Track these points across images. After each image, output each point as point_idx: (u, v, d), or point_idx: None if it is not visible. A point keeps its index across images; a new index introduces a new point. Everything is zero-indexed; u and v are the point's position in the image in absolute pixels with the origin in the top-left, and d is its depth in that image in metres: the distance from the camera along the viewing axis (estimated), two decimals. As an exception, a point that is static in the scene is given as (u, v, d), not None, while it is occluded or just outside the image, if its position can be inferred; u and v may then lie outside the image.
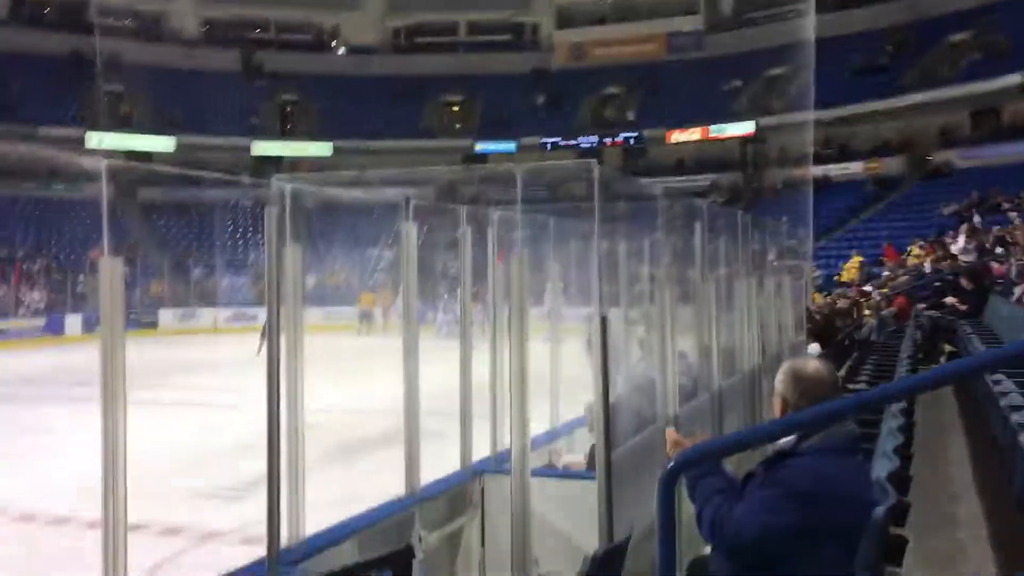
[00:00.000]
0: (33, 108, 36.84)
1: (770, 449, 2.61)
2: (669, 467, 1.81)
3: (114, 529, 3.52)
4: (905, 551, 2.90)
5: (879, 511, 2.28)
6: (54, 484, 9.37)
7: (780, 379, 2.76)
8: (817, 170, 33.73)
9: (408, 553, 2.02)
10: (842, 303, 14.91)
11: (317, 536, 4.43)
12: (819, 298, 18.03)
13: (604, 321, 3.94)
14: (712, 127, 40.65)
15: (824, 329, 11.56)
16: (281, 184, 4.10)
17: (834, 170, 36.32)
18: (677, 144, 41.55)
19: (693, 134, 41.20)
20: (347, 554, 3.97)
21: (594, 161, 4.28)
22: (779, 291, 11.09)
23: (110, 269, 3.29)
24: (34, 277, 31.46)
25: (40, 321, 29.05)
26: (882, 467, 2.99)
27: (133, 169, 36.00)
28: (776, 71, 38.82)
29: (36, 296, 30.28)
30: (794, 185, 33.71)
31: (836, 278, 25.18)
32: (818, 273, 25.82)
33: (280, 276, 4.18)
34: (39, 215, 35.63)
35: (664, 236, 6.34)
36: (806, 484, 2.48)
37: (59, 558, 7.10)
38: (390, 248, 32.35)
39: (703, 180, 39.10)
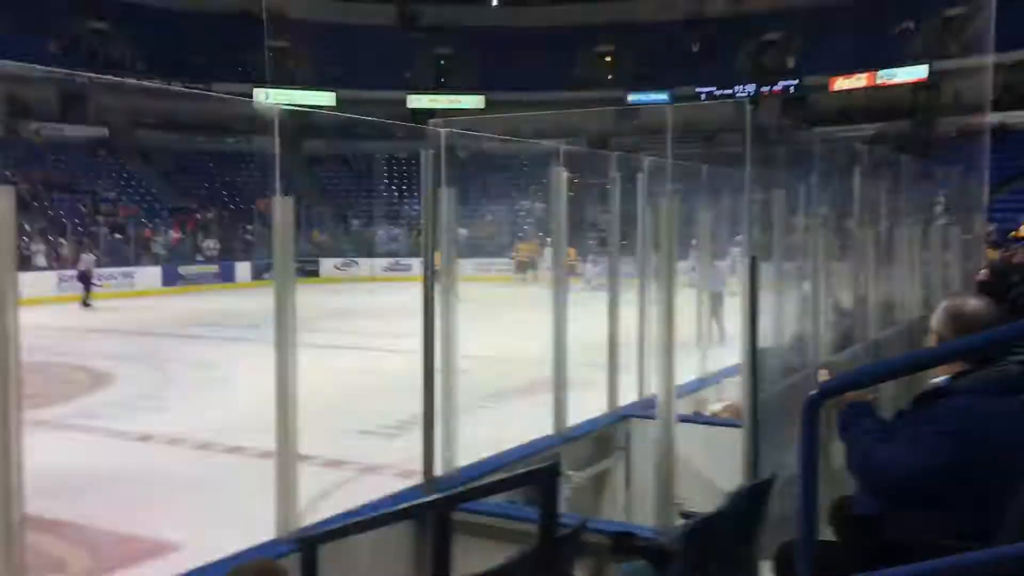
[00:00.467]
0: (205, 66, 39.00)
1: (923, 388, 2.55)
2: (813, 393, 1.82)
3: (286, 458, 3.79)
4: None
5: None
6: (228, 417, 10.13)
7: (937, 317, 2.66)
8: (995, 118, 31.38)
9: (554, 469, 2.12)
10: (1019, 257, 13.96)
11: (469, 467, 4.65)
12: (992, 253, 16.94)
13: (754, 262, 3.90)
14: (880, 73, 38.43)
15: (996, 285, 10.87)
16: (437, 128, 4.25)
17: (1014, 118, 33.70)
18: (841, 92, 39.57)
19: (859, 81, 39.09)
20: (496, 485, 4.14)
21: (746, 102, 4.20)
22: (946, 245, 10.53)
23: (282, 207, 3.52)
24: (209, 226, 33.56)
25: (214, 268, 31.05)
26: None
27: (305, 116, 37.53)
28: (953, 11, 36.19)
29: (210, 244, 32.32)
30: (969, 134, 31.51)
31: (1013, 233, 23.55)
32: (992, 227, 24.20)
33: (435, 217, 4.35)
34: (212, 167, 37.96)
35: (820, 183, 6.15)
36: (957, 423, 2.41)
37: (234, 482, 7.71)
38: (540, 200, 32.61)
39: (869, 129, 37.16)
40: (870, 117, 38.25)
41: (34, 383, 11.81)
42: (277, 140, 3.95)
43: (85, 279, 23.99)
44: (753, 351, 3.92)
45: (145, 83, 32.67)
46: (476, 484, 2.36)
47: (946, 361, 2.46)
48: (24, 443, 2.90)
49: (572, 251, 25.76)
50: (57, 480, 7.18)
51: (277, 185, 3.61)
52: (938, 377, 2.58)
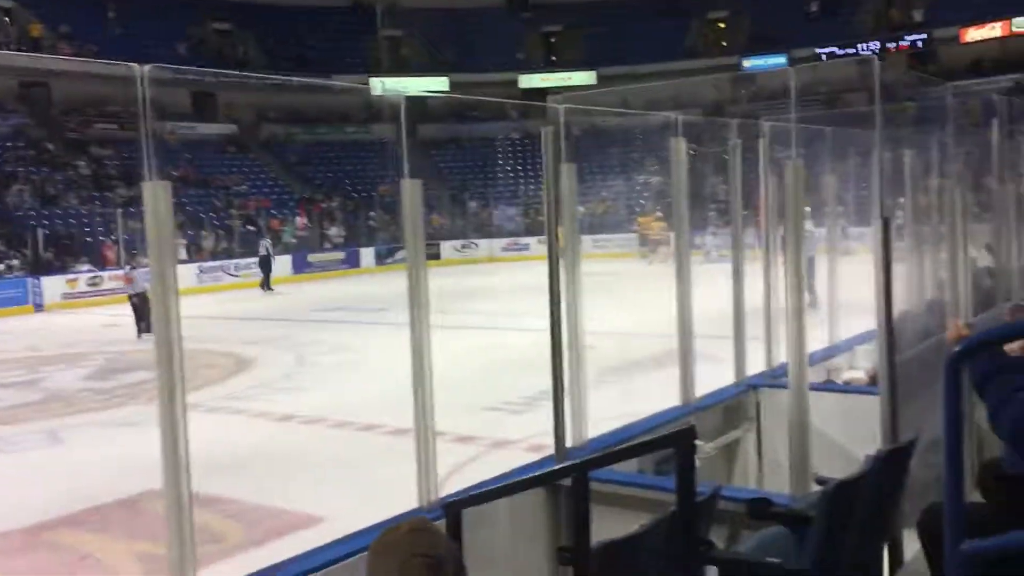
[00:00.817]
0: (323, 58, 40.13)
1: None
2: (956, 349, 1.79)
3: (425, 432, 3.94)
4: None
5: None
6: (361, 396, 10.51)
7: None
8: None
9: (691, 432, 2.15)
10: None
11: (598, 439, 4.71)
12: None
13: (887, 224, 3.80)
14: (1016, 20, 36.10)
15: None
16: (555, 105, 4.29)
17: None
18: (973, 43, 37.41)
19: (993, 30, 36.85)
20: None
21: (874, 58, 4.08)
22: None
23: (410, 189, 3.65)
24: (333, 214, 34.63)
25: (340, 255, 32.06)
26: None
27: (423, 102, 38.11)
28: (1098, -52, 33.70)
29: (334, 231, 33.35)
30: (1119, 79, 29.41)
31: None
32: None
33: (557, 193, 4.40)
34: (334, 157, 39.13)
35: (954, 139, 5.89)
36: None
37: (371, 457, 8.03)
38: (656, 173, 32.25)
39: (1005, 82, 34.99)
40: (1006, 68, 36.00)
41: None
42: (403, 125, 4.08)
43: (265, 264, 25.63)
44: (888, 315, 3.83)
45: (268, 78, 33.90)
46: (612, 449, 2.41)
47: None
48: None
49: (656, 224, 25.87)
50: (209, 458, 7.63)
51: (405, 168, 3.73)
52: None
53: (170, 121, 33.20)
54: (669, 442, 2.15)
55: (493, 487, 2.67)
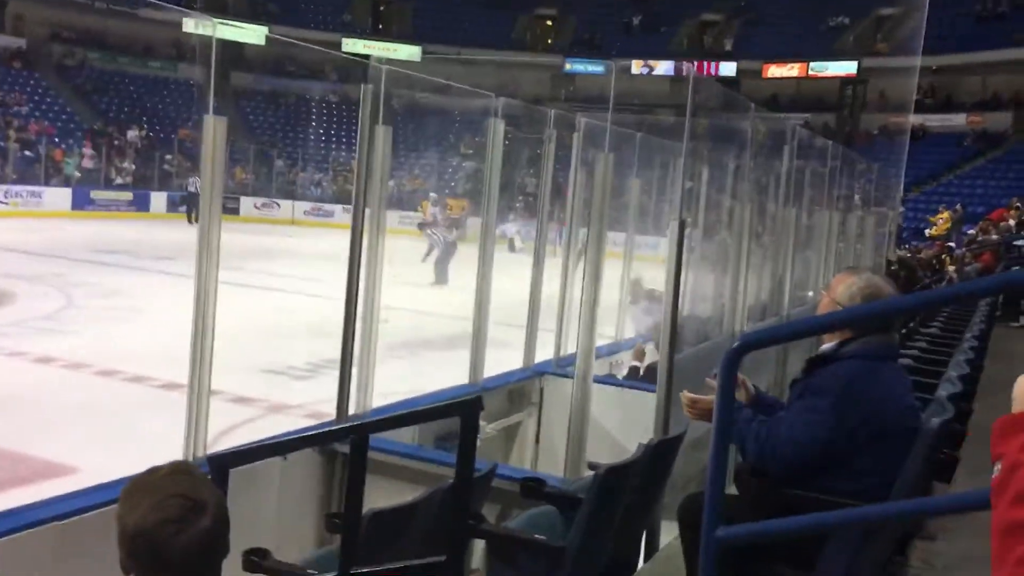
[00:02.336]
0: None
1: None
2: (735, 345, 1.86)
3: (198, 389, 3.71)
4: (955, 471, 2.94)
5: (934, 422, 2.30)
6: (133, 346, 9.86)
7: (850, 293, 2.65)
8: (916, 119, 32.47)
9: (478, 403, 2.13)
10: (926, 254, 14.53)
11: (381, 409, 4.64)
12: (900, 251, 17.62)
13: (682, 226, 3.97)
14: (812, 64, 39.17)
15: (905, 278, 11.32)
16: (379, 64, 4.16)
17: (934, 120, 34.88)
18: (773, 79, 40.22)
19: (792, 70, 39.78)
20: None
21: (690, 78, 4.23)
22: (861, 235, 10.89)
23: (214, 127, 3.42)
24: (126, 151, 32.30)
25: (128, 195, 29.99)
26: (944, 389, 3.00)
27: (238, 47, 36.20)
28: (887, 11, 37.08)
29: (127, 167, 31.10)
30: (891, 132, 32.58)
31: (928, 232, 24.47)
32: (904, 224, 25.16)
33: (369, 156, 4.28)
34: (134, 90, 36.48)
35: (750, 160, 6.27)
36: (845, 387, 2.49)
37: (138, 410, 7.54)
38: (471, 159, 32.44)
39: (796, 119, 37.86)
40: (799, 107, 38.96)
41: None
42: (214, 58, 3.81)
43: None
44: (675, 312, 4.00)
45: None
46: (393, 415, 2.35)
47: (848, 325, 2.54)
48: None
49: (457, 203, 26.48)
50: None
51: (210, 103, 3.49)
52: (826, 344, 2.66)
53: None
54: (455, 411, 2.12)
55: (265, 443, 2.54)
